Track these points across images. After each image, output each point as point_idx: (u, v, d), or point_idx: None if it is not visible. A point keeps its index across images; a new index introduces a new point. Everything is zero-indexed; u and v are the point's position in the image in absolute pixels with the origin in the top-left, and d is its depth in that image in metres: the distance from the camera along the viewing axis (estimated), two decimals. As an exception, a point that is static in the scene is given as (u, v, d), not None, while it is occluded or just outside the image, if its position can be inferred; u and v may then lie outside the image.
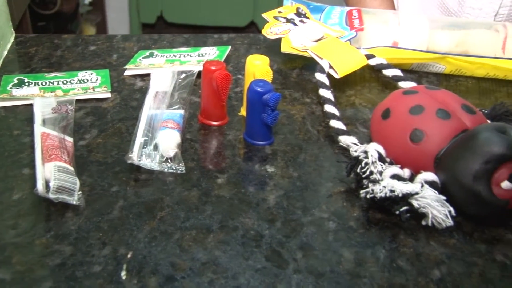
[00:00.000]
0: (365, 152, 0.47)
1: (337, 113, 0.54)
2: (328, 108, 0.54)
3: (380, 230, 0.43)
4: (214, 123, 0.54)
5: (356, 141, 0.50)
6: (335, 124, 0.53)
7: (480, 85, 0.64)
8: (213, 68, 0.52)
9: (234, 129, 0.54)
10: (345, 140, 0.50)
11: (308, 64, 0.65)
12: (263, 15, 0.65)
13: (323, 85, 0.56)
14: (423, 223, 0.43)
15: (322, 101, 0.55)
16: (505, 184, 0.42)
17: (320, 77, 0.57)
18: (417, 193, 0.43)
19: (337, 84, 0.62)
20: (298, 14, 0.65)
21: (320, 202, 0.45)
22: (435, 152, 0.45)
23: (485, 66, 0.62)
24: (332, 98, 0.55)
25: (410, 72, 0.65)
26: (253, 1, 2.15)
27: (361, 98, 0.60)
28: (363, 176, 0.46)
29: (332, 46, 0.60)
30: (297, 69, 0.65)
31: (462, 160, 0.43)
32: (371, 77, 0.64)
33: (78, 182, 0.45)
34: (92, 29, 2.21)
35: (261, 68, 0.52)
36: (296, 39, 0.61)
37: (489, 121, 0.51)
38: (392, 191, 0.43)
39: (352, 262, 0.40)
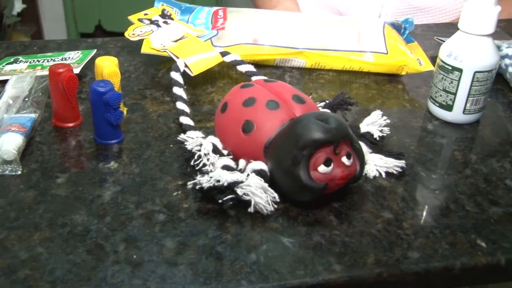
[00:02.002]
0: (200, 145, 0.48)
1: (187, 109, 0.55)
2: (179, 105, 0.56)
3: (207, 219, 0.45)
4: (67, 124, 0.55)
5: (201, 135, 0.52)
6: (184, 120, 0.54)
7: (341, 78, 0.66)
8: (60, 70, 0.53)
9: (86, 130, 0.55)
10: (190, 135, 0.52)
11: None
12: (129, 17, 0.66)
13: (176, 83, 0.58)
14: (249, 210, 0.45)
15: (175, 98, 0.57)
16: (321, 168, 0.44)
17: (174, 75, 0.58)
18: (242, 182, 0.45)
19: (199, 82, 0.63)
20: (163, 15, 0.66)
21: (154, 196, 0.47)
22: (264, 142, 0.47)
23: (340, 59, 0.65)
24: (184, 96, 0.57)
25: (275, 67, 0.67)
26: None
27: (220, 95, 0.62)
28: (197, 168, 0.48)
29: (189, 46, 0.61)
30: (163, 70, 0.66)
31: (283, 147, 0.45)
32: (231, 74, 0.66)
33: None
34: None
35: (108, 69, 0.54)
36: (157, 39, 0.62)
37: (324, 110, 0.54)
38: (218, 181, 0.45)
39: (173, 251, 0.42)
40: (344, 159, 0.45)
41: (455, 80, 0.55)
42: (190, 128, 0.53)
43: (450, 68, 0.55)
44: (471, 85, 0.55)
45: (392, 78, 0.66)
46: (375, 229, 0.44)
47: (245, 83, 0.52)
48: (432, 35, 0.77)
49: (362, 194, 0.48)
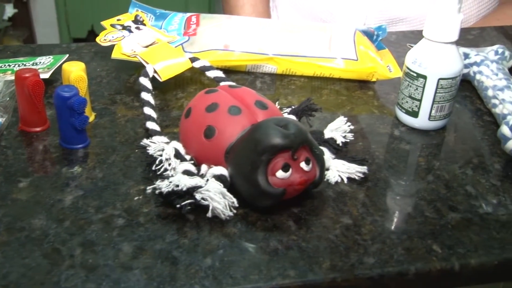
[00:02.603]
0: (162, 150, 0.49)
1: (153, 115, 0.56)
2: (147, 110, 0.56)
3: (166, 224, 0.45)
4: (34, 129, 0.55)
5: (166, 141, 0.52)
6: (150, 125, 0.54)
7: (312, 84, 0.67)
8: (25, 75, 0.53)
9: (53, 135, 0.55)
10: (155, 140, 0.52)
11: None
12: (102, 23, 0.67)
13: (144, 89, 0.58)
14: (207, 215, 0.45)
15: (142, 104, 0.57)
16: (279, 174, 0.45)
17: (143, 81, 0.59)
18: (201, 187, 0.45)
19: (171, 88, 0.64)
20: (136, 21, 0.67)
21: (115, 200, 0.47)
22: (225, 147, 0.47)
23: (311, 65, 0.65)
24: (152, 101, 0.57)
25: (247, 73, 0.68)
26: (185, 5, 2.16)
27: (190, 100, 0.61)
28: (158, 173, 0.48)
29: (159, 51, 0.62)
30: (135, 75, 0.66)
31: (243, 152, 0.46)
32: (202, 80, 0.66)
33: None
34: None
35: (75, 74, 0.54)
36: (127, 45, 0.63)
37: (285, 116, 0.54)
38: (177, 185, 0.45)
39: (129, 255, 0.42)
40: (302, 165, 0.45)
41: (420, 86, 0.56)
42: (155, 133, 0.53)
43: (415, 74, 0.56)
44: (436, 92, 0.55)
45: (363, 84, 0.67)
46: (333, 234, 0.45)
47: (210, 89, 0.52)
48: (407, 42, 0.78)
49: (322, 199, 0.48)
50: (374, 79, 0.66)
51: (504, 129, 0.52)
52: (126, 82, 0.65)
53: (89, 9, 2.23)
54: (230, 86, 0.53)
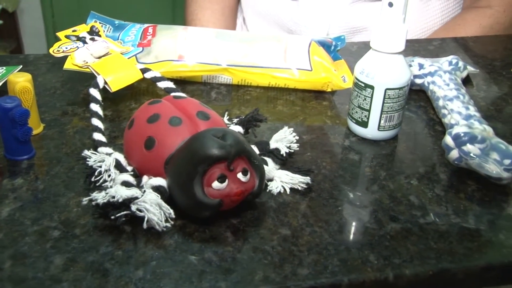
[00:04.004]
0: (102, 161, 0.49)
1: (101, 126, 0.55)
2: (94, 121, 0.56)
3: (102, 235, 0.44)
4: (-20, 141, 0.55)
5: (110, 152, 0.51)
6: (97, 136, 0.54)
7: (268, 94, 0.67)
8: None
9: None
10: (100, 151, 0.52)
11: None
12: (57, 34, 0.67)
13: (94, 100, 0.58)
14: (143, 226, 0.45)
15: (90, 114, 0.57)
16: (215, 185, 0.44)
17: (93, 92, 0.58)
18: (137, 198, 0.45)
19: (125, 99, 0.63)
20: (91, 32, 0.67)
21: (53, 212, 0.47)
22: (164, 158, 0.47)
23: (265, 75, 0.65)
24: (100, 112, 0.57)
25: (203, 84, 0.68)
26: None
27: (142, 111, 0.62)
28: (97, 184, 0.48)
29: (111, 62, 0.61)
30: (89, 86, 0.66)
31: (180, 163, 0.45)
32: (156, 91, 0.66)
33: None
34: (5, 58, 2.17)
35: (20, 85, 0.54)
36: (80, 56, 0.63)
37: (235, 127, 0.54)
38: (113, 197, 0.45)
39: (60, 267, 0.41)
40: (239, 175, 0.45)
41: (368, 97, 0.56)
42: (101, 144, 0.53)
43: (363, 85, 0.56)
44: (383, 102, 0.55)
45: (318, 95, 0.67)
46: (269, 245, 0.44)
47: (154, 100, 0.52)
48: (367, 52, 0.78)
49: (263, 210, 0.48)
50: (329, 90, 0.66)
51: (447, 139, 0.52)
52: (79, 93, 0.65)
53: (76, 20, 2.20)
54: (174, 97, 0.53)
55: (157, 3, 2.21)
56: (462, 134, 0.51)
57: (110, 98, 0.63)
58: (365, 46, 0.81)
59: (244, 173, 0.45)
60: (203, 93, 0.67)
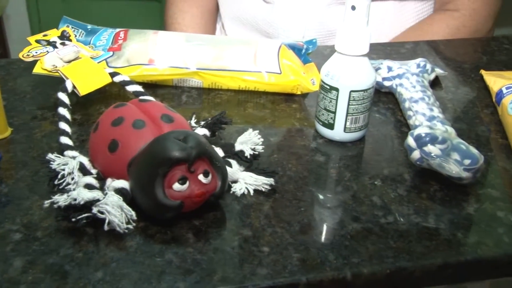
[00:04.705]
0: (65, 164, 0.49)
1: (68, 129, 0.56)
2: (62, 125, 0.56)
3: (64, 238, 0.45)
4: None
5: (75, 155, 0.52)
6: (63, 140, 0.54)
7: (238, 97, 0.67)
8: None
9: (-34, 150, 0.55)
10: (66, 154, 0.52)
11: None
12: (28, 38, 0.67)
13: (62, 104, 0.58)
14: (104, 228, 0.45)
15: (58, 118, 0.57)
16: (176, 186, 0.45)
17: (61, 96, 0.59)
18: (99, 200, 0.45)
19: (95, 102, 0.64)
20: (62, 37, 0.67)
21: (16, 215, 0.47)
22: (128, 160, 0.48)
23: (235, 79, 0.66)
24: (68, 116, 0.57)
25: (174, 87, 0.68)
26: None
27: (112, 115, 0.62)
28: (60, 187, 0.48)
29: (80, 66, 0.62)
30: (61, 90, 0.67)
31: (141, 165, 0.46)
32: (127, 94, 0.66)
33: None
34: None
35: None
36: (49, 60, 0.63)
37: (201, 130, 0.55)
38: (75, 199, 0.45)
39: (19, 270, 0.42)
40: (201, 177, 0.46)
41: (333, 99, 0.56)
42: (67, 147, 0.53)
43: (328, 87, 0.57)
44: (349, 104, 0.56)
45: (288, 97, 0.67)
46: (230, 246, 0.45)
47: (119, 103, 0.52)
48: None
49: (226, 211, 0.48)
50: (299, 92, 0.67)
51: (409, 140, 0.52)
52: (50, 97, 0.65)
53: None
54: (140, 100, 0.53)
55: (143, 9, 2.21)
56: (423, 135, 0.51)
57: (81, 102, 0.63)
58: (337, 50, 0.82)
59: (205, 174, 0.46)
60: (174, 97, 0.67)
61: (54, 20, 0.73)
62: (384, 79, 0.67)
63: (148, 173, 0.45)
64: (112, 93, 0.67)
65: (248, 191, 0.50)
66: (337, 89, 0.56)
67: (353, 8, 0.54)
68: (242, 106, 0.66)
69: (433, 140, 0.51)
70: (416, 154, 0.52)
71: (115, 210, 0.45)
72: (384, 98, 0.68)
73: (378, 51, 0.80)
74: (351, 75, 0.56)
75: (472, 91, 0.71)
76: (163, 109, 0.51)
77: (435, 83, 0.71)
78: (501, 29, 0.89)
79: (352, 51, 0.55)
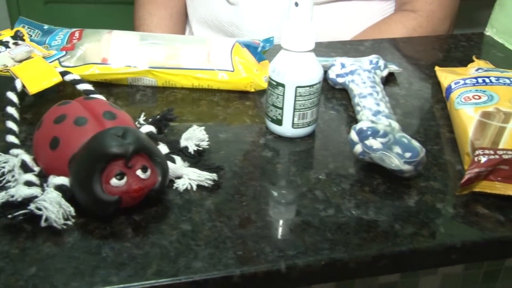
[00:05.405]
0: (6, 162, 0.49)
1: (15, 128, 0.56)
2: (9, 124, 0.56)
3: (1, 235, 0.45)
4: None
5: (21, 153, 0.52)
6: (9, 138, 0.54)
7: (192, 95, 0.68)
8: None
9: None
10: (11, 153, 0.52)
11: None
12: (-19, 39, 0.67)
13: (9, 102, 0.58)
14: (41, 224, 0.45)
15: (6, 118, 0.57)
16: (113, 181, 0.45)
17: (10, 95, 0.59)
18: (37, 196, 0.46)
19: (49, 102, 0.64)
20: (15, 36, 0.67)
21: (-45, 213, 0.47)
22: (68, 157, 0.48)
23: (188, 77, 0.66)
24: (15, 115, 0.57)
25: (129, 86, 0.68)
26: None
27: (63, 114, 0.62)
28: (0, 185, 0.48)
29: (31, 66, 0.62)
30: (15, 90, 0.67)
31: (80, 161, 0.46)
32: (81, 94, 0.66)
33: None
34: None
35: None
36: (1, 60, 0.63)
37: (147, 127, 0.55)
38: (12, 196, 0.45)
39: (-47, 266, 0.42)
40: (139, 173, 0.46)
41: (280, 95, 0.57)
42: (13, 146, 0.53)
43: (275, 83, 0.57)
44: (295, 100, 0.57)
45: (243, 95, 0.68)
46: (168, 240, 0.45)
47: (63, 101, 0.53)
48: (318, 54, 0.79)
49: (168, 206, 0.49)
50: (252, 90, 0.67)
51: (352, 134, 0.53)
52: (1, 97, 0.65)
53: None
54: (84, 98, 0.53)
55: (126, 12, 2.20)
56: (365, 129, 0.52)
57: (34, 102, 0.63)
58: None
59: (144, 170, 0.46)
60: (128, 96, 0.67)
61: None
62: (337, 75, 0.68)
63: (86, 168, 0.45)
64: (68, 92, 0.67)
65: (191, 187, 0.51)
66: (283, 85, 0.56)
67: (296, 4, 0.54)
68: (195, 104, 0.66)
69: (375, 133, 0.52)
70: (358, 148, 0.53)
71: (52, 206, 0.45)
72: (338, 95, 0.68)
73: (338, 49, 0.81)
74: (296, 71, 0.56)
75: (425, 87, 0.71)
76: (106, 107, 0.51)
77: (390, 80, 0.72)
78: (464, 30, 0.90)
79: (297, 47, 0.56)
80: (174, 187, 0.51)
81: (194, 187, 0.51)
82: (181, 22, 1.09)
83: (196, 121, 0.62)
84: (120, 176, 0.45)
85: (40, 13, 2.22)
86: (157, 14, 1.05)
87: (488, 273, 0.60)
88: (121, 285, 0.41)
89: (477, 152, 0.50)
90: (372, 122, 0.53)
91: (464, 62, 0.76)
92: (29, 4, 2.28)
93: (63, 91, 0.66)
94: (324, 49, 0.80)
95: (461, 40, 0.85)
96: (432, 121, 0.64)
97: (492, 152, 0.50)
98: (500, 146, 0.51)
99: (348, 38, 0.93)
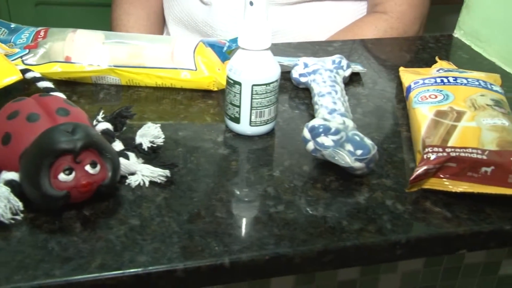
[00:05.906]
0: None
1: (-28, 125, 0.56)
2: (-34, 120, 0.57)
3: (-51, 229, 0.45)
4: None
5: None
6: (-33, 135, 0.55)
7: (156, 94, 0.68)
8: None
9: None
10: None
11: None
12: None
13: (-31, 100, 0.59)
14: (-13, 219, 0.46)
15: (-37, 114, 0.57)
16: (61, 177, 0.45)
17: (-31, 92, 0.59)
18: (-21, 193, 0.46)
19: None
20: (-21, 35, 0.68)
21: None
22: (20, 153, 0.48)
23: (151, 76, 0.67)
24: (-26, 111, 0.58)
25: (93, 85, 0.69)
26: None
27: (24, 111, 0.63)
28: (-49, 180, 0.48)
29: (-8, 63, 0.62)
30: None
31: (29, 157, 0.46)
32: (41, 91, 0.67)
33: None
34: None
35: None
36: (-37, 58, 0.63)
37: (103, 125, 0.55)
38: (-40, 192, 0.46)
39: None
40: (88, 168, 0.46)
41: (237, 93, 0.57)
42: (-31, 143, 0.54)
43: (232, 82, 0.58)
44: (252, 98, 0.57)
45: (206, 94, 0.68)
46: (115, 235, 0.45)
47: (18, 98, 0.53)
48: (286, 54, 0.79)
49: (119, 202, 0.49)
50: (215, 89, 0.68)
51: (304, 131, 0.53)
52: (-35, 95, 0.66)
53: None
54: (40, 95, 0.54)
55: (109, 14, 2.21)
56: (316, 126, 0.53)
57: (-4, 100, 0.64)
58: (289, 47, 0.83)
59: (93, 165, 0.46)
60: (92, 94, 0.68)
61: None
62: (300, 75, 0.69)
63: (35, 163, 0.46)
64: (32, 91, 0.67)
65: (144, 183, 0.51)
66: (240, 84, 0.57)
67: (251, 3, 0.55)
68: (158, 102, 0.66)
69: (326, 131, 0.52)
70: (310, 145, 0.53)
71: (0, 201, 0.45)
72: (301, 94, 0.69)
73: (306, 49, 0.82)
74: (252, 69, 0.57)
75: (389, 87, 0.72)
76: (61, 103, 0.52)
77: (355, 80, 0.73)
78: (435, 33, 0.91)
79: (252, 46, 0.56)
80: (126, 183, 0.51)
81: (147, 183, 0.51)
82: (159, 22, 1.09)
83: (157, 119, 0.62)
84: (69, 171, 0.45)
85: (31, 15, 2.22)
86: (134, 14, 1.05)
87: (448, 270, 0.61)
88: (64, 278, 0.41)
89: (426, 150, 0.51)
90: (325, 120, 0.54)
91: (429, 63, 0.77)
92: (19, 6, 2.28)
93: (28, 89, 0.66)
94: (293, 49, 0.81)
95: (430, 41, 0.85)
96: (392, 120, 0.64)
97: (441, 149, 0.51)
98: (449, 144, 0.52)
99: (322, 39, 0.94)
